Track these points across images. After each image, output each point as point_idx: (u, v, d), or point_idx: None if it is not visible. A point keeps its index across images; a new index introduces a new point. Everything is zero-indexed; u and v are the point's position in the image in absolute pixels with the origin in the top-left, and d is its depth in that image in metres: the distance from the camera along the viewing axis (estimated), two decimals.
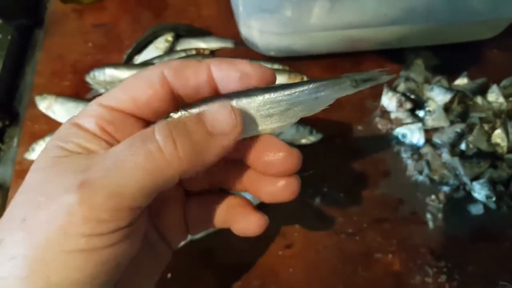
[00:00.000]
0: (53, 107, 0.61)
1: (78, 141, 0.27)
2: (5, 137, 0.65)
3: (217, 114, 0.27)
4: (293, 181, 0.31)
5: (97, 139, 0.27)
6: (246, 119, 0.29)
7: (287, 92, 0.29)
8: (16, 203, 0.25)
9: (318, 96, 0.29)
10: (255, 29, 0.59)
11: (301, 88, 0.29)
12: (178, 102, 0.30)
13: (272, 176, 0.31)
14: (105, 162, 0.25)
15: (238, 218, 0.33)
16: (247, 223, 0.33)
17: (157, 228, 0.34)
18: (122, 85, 0.29)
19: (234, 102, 0.29)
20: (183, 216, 0.36)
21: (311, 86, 0.29)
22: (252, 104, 0.29)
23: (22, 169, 0.58)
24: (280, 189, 0.31)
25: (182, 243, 0.51)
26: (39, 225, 0.23)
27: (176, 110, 0.29)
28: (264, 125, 0.29)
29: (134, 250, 0.28)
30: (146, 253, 0.32)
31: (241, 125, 0.28)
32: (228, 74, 0.28)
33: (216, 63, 0.29)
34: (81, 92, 0.63)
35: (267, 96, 0.29)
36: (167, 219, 0.35)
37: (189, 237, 0.51)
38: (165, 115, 0.29)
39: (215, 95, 0.30)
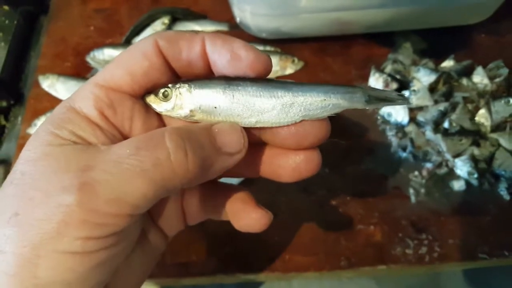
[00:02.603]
0: (55, 86, 0.64)
1: (72, 128, 0.25)
2: (10, 116, 0.68)
3: (228, 134, 0.27)
4: (314, 152, 0.30)
5: (93, 127, 0.26)
6: (245, 106, 0.28)
7: (294, 86, 0.28)
8: (7, 195, 0.24)
9: (326, 100, 0.28)
10: (247, 11, 0.61)
11: (310, 86, 0.28)
12: (174, 75, 0.29)
13: (294, 150, 0.30)
14: (108, 164, 0.23)
15: (241, 215, 0.32)
16: (250, 221, 0.31)
17: (153, 218, 0.33)
18: (117, 59, 0.27)
19: (238, 88, 0.28)
20: (181, 207, 0.34)
21: (321, 86, 0.28)
22: (255, 92, 0.28)
23: (24, 143, 0.61)
24: (304, 162, 0.29)
25: None
26: (33, 222, 0.22)
27: (162, 87, 0.28)
28: (262, 117, 0.28)
29: (128, 251, 0.27)
30: (139, 247, 0.31)
31: (246, 148, 0.27)
32: (220, 52, 0.27)
33: (210, 37, 0.27)
34: (81, 72, 0.66)
35: (272, 86, 0.28)
36: (164, 210, 0.33)
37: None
38: (153, 91, 0.28)
39: (216, 76, 0.29)
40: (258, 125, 0.28)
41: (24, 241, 0.22)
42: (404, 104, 0.30)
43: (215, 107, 0.28)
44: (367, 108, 0.29)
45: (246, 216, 0.32)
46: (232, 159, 0.27)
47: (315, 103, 0.28)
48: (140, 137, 0.25)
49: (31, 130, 0.61)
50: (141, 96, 0.29)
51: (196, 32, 0.28)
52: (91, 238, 0.23)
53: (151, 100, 0.28)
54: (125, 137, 0.27)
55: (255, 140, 0.30)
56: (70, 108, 0.26)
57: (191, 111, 0.28)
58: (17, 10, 0.75)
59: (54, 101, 0.64)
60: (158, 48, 0.27)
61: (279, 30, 0.64)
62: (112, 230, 0.24)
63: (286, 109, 0.28)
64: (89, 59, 0.65)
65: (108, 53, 0.63)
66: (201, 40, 0.27)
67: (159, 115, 0.30)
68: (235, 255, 0.51)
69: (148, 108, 0.29)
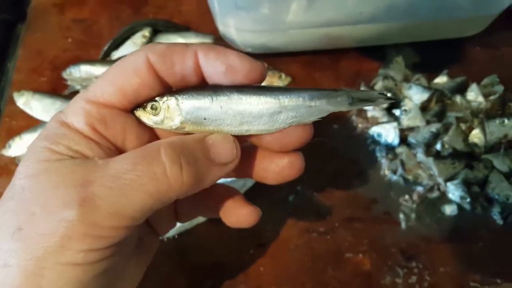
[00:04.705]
0: (31, 104, 0.61)
1: (68, 143, 0.26)
2: None
3: (221, 145, 0.28)
4: (297, 157, 0.30)
5: (87, 141, 0.26)
6: (234, 116, 0.28)
7: (281, 94, 0.28)
8: (8, 209, 0.24)
9: (312, 105, 0.28)
10: (232, 26, 0.58)
11: (296, 93, 0.28)
12: (166, 89, 0.28)
13: (278, 152, 0.30)
14: (107, 179, 0.24)
15: (231, 212, 0.33)
16: (240, 217, 0.33)
17: (147, 220, 0.33)
18: (107, 75, 0.27)
19: (226, 98, 0.28)
20: (173, 206, 0.35)
21: (306, 92, 0.28)
22: (242, 101, 0.28)
23: None
24: (287, 166, 0.30)
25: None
26: (36, 237, 0.23)
27: (150, 100, 0.28)
28: (251, 125, 0.28)
29: (128, 257, 0.29)
30: (134, 249, 0.31)
31: (239, 157, 0.28)
32: (214, 64, 0.27)
33: (203, 49, 0.27)
34: (58, 89, 0.63)
35: (259, 94, 0.28)
36: (158, 211, 0.33)
37: (162, 236, 0.52)
38: (142, 104, 0.28)
39: (203, 86, 0.29)
40: (248, 133, 0.29)
41: (28, 254, 0.23)
42: (384, 103, 0.30)
43: (205, 118, 0.28)
44: (350, 109, 0.30)
45: (236, 213, 0.33)
46: (226, 168, 0.28)
47: (302, 109, 0.28)
48: (137, 152, 0.26)
49: (6, 152, 0.58)
50: (131, 110, 0.29)
51: (188, 45, 0.27)
52: (93, 250, 0.24)
53: (141, 114, 0.29)
54: (119, 149, 0.28)
55: (243, 143, 0.31)
56: (63, 123, 0.26)
57: (181, 123, 0.28)
58: None
59: (30, 120, 0.61)
60: (150, 63, 0.27)
61: (265, 45, 0.61)
62: (112, 241, 0.24)
63: (274, 117, 0.28)
64: (65, 75, 0.62)
65: (85, 69, 0.60)
66: (193, 53, 0.27)
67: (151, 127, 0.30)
68: None
69: (139, 121, 0.29)
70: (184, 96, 0.28)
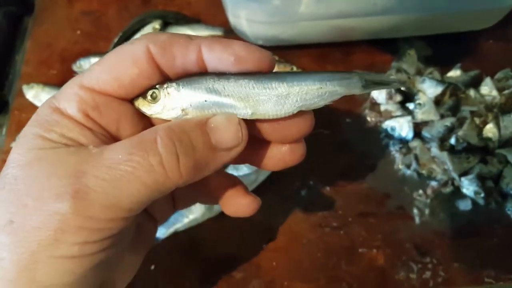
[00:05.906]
0: (40, 96, 0.60)
1: (61, 130, 0.25)
2: None
3: (224, 128, 0.26)
4: (300, 143, 0.29)
5: (81, 127, 0.25)
6: (239, 98, 0.27)
7: (289, 76, 0.27)
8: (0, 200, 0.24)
9: (323, 88, 0.27)
10: (243, 18, 0.58)
11: (305, 74, 0.27)
12: (165, 80, 0.28)
13: (278, 142, 0.30)
14: (101, 169, 0.23)
15: (230, 201, 0.32)
16: (239, 207, 0.32)
17: (145, 208, 0.33)
18: (104, 62, 0.26)
19: (229, 81, 0.26)
20: (171, 193, 0.34)
21: (317, 74, 0.27)
22: (247, 84, 0.26)
23: None
24: (289, 152, 0.29)
25: (167, 232, 0.51)
26: (29, 230, 0.23)
27: (150, 89, 0.27)
28: (258, 109, 0.27)
29: (125, 248, 0.28)
30: (132, 238, 0.31)
31: (246, 141, 0.27)
32: (221, 56, 0.26)
33: (208, 43, 0.26)
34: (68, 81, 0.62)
35: (266, 76, 0.27)
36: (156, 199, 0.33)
37: (174, 229, 0.52)
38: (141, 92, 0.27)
39: (204, 72, 0.27)
40: (254, 117, 0.27)
41: (21, 247, 0.22)
42: (399, 86, 0.29)
43: (206, 101, 0.27)
44: (364, 92, 0.28)
45: (235, 202, 0.32)
46: (230, 153, 0.26)
47: (311, 92, 0.27)
48: (133, 140, 0.25)
49: None
50: (128, 99, 0.28)
51: (191, 37, 0.26)
52: (89, 242, 0.23)
53: (140, 103, 0.28)
54: (113, 136, 0.27)
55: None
56: (56, 109, 0.25)
57: (182, 110, 0.27)
58: (0, 11, 0.71)
59: None
60: (150, 54, 0.25)
61: (277, 37, 0.60)
62: (109, 233, 0.24)
63: (282, 100, 0.27)
64: (75, 68, 0.61)
65: (95, 62, 0.59)
66: (197, 47, 0.26)
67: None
68: (230, 282, 0.49)
69: (135, 109, 0.28)
70: (185, 81, 0.27)
